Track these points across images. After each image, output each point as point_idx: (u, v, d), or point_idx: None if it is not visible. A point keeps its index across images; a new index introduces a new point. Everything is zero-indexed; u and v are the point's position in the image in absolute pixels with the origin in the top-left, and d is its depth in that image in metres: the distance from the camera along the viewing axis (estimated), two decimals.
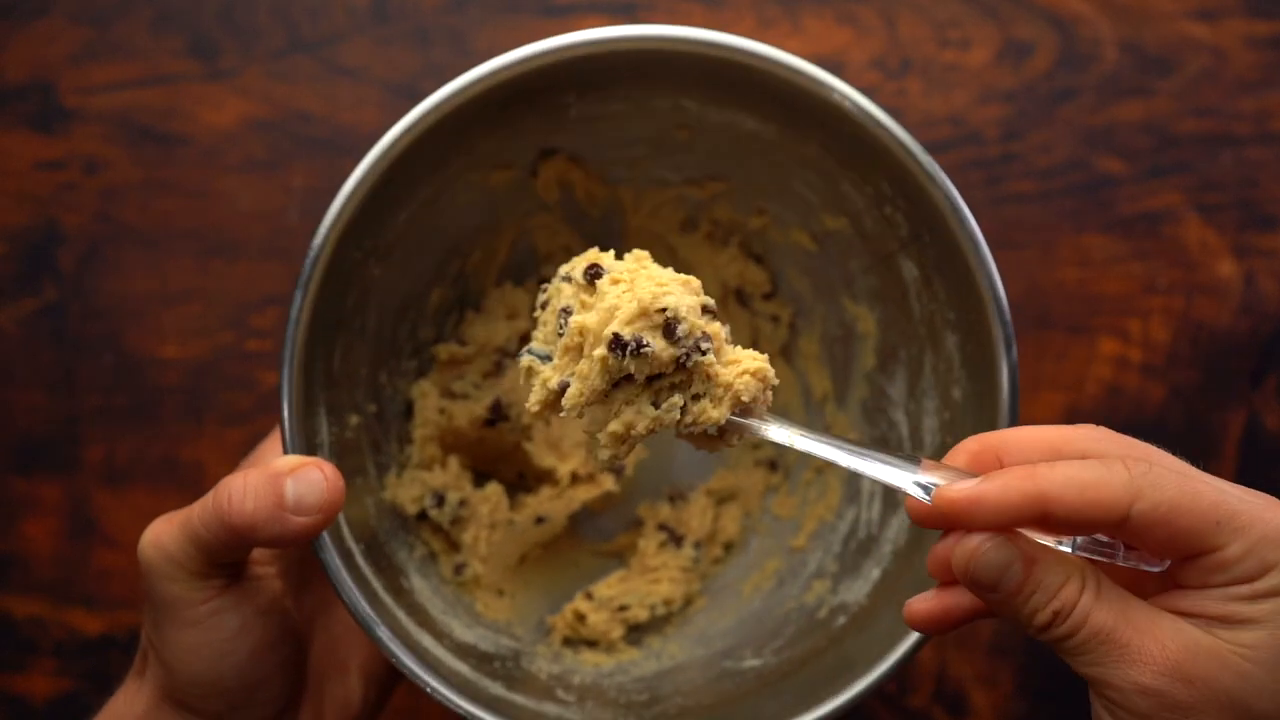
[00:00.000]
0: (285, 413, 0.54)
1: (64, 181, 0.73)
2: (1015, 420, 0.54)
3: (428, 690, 0.53)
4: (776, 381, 0.48)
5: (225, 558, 0.51)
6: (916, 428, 0.60)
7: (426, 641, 0.57)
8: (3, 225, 0.73)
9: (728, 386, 0.47)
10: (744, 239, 0.64)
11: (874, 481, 0.47)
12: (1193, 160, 0.73)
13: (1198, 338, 0.73)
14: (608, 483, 0.64)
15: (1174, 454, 0.72)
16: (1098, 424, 0.72)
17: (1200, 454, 0.73)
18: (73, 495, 0.72)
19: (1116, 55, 0.73)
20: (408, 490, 0.63)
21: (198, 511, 0.51)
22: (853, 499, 0.64)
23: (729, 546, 0.67)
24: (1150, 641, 0.40)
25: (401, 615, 0.57)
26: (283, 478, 0.50)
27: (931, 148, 0.70)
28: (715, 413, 0.47)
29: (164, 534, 0.51)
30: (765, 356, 0.48)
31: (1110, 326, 0.73)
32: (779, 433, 0.48)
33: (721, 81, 0.56)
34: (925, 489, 0.43)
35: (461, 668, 0.57)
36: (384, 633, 0.53)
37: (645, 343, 0.45)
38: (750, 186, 0.62)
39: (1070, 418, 0.73)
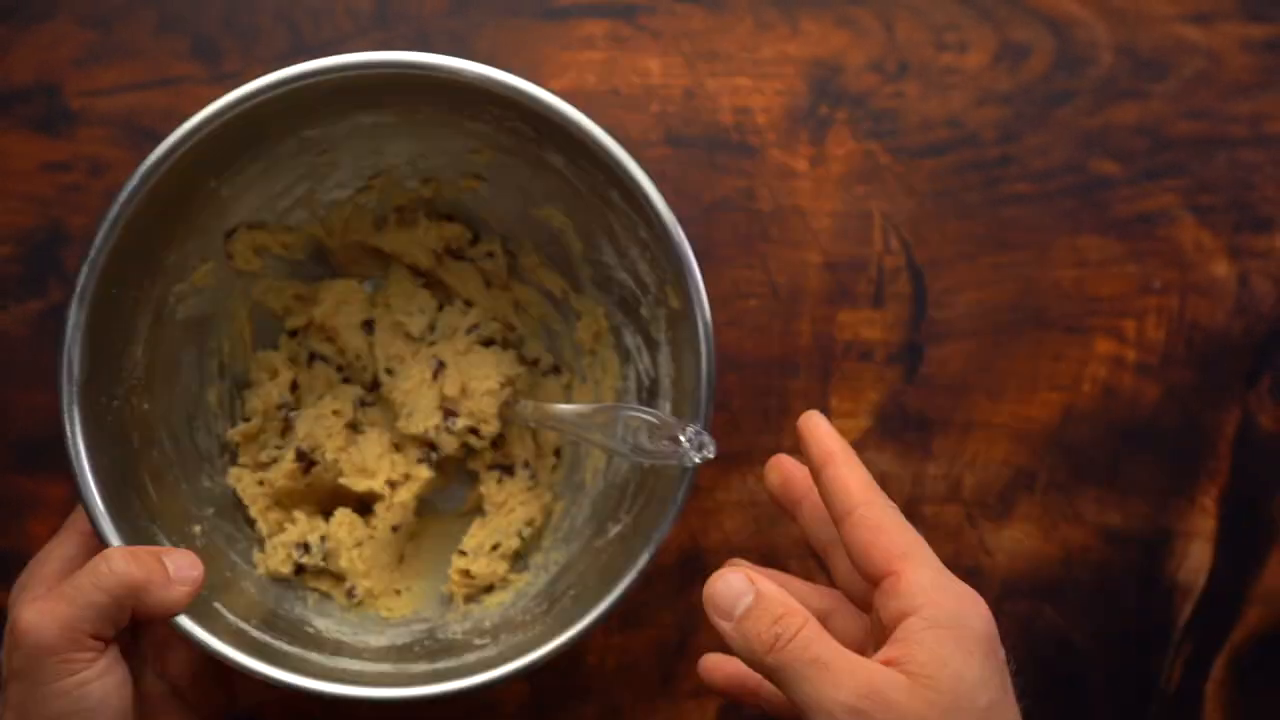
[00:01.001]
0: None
1: (69, 183, 0.73)
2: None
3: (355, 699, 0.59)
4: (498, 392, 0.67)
5: (101, 629, 0.55)
6: (637, 276, 0.65)
7: (345, 664, 0.63)
8: (8, 227, 0.73)
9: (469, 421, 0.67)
10: (428, 209, 0.69)
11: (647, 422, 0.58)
12: (1188, 162, 0.74)
13: (1192, 338, 0.74)
14: (424, 473, 0.69)
15: (1170, 453, 0.73)
16: (1094, 423, 0.73)
17: (1195, 453, 0.74)
18: (76, 494, 0.73)
19: (1112, 58, 0.74)
20: (275, 557, 0.67)
21: (78, 582, 0.55)
22: (626, 359, 0.69)
23: (558, 452, 0.72)
24: (858, 668, 0.47)
25: (314, 656, 0.63)
26: (159, 552, 0.56)
27: (929, 150, 0.71)
28: (484, 441, 0.68)
29: (42, 605, 0.54)
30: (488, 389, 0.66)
31: (1106, 327, 0.74)
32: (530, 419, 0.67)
33: (329, 96, 0.61)
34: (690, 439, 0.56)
35: (384, 668, 0.63)
36: (302, 681, 0.59)
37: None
38: (406, 166, 0.67)
39: (1067, 416, 0.74)
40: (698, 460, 0.56)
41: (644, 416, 0.59)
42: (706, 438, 0.56)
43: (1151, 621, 0.74)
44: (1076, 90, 0.74)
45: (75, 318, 0.59)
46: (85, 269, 0.59)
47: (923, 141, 0.74)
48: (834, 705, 0.46)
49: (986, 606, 0.49)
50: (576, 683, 0.74)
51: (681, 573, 0.74)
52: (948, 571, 0.50)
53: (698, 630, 0.74)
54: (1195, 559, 0.74)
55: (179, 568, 0.56)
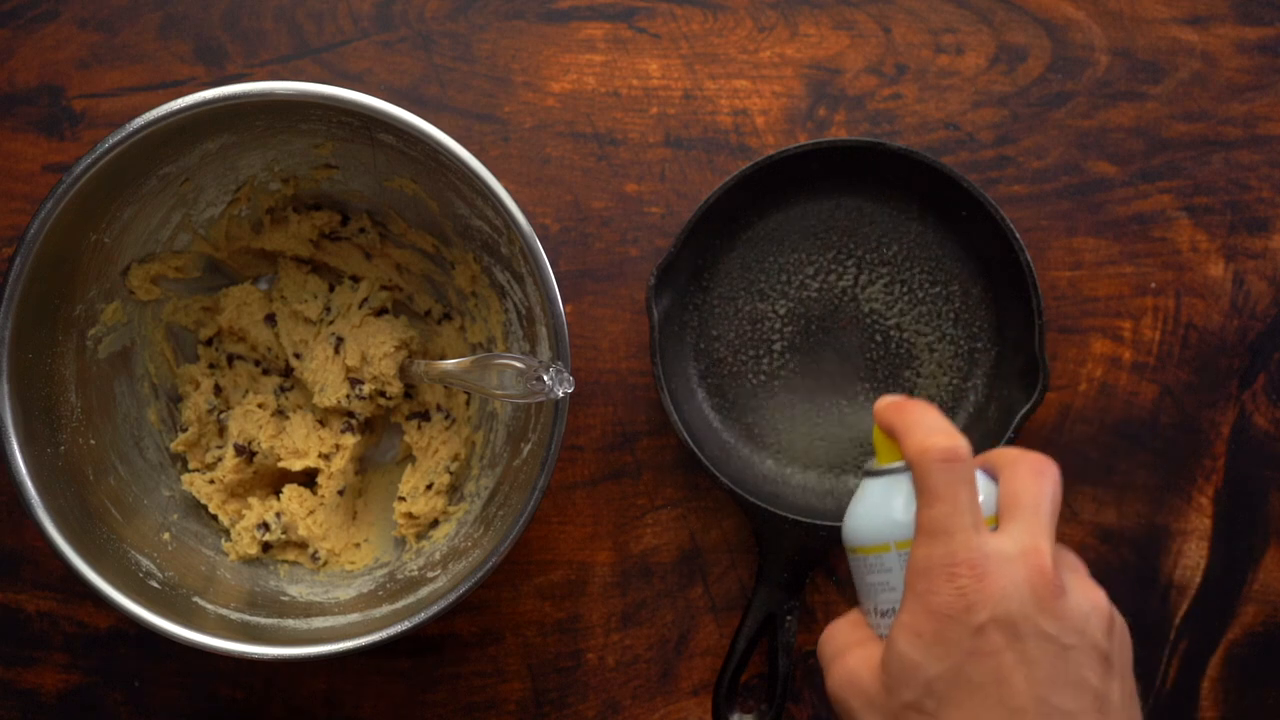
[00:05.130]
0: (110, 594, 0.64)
1: None
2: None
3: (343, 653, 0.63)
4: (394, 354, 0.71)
5: None
6: (489, 222, 0.68)
7: (319, 623, 0.68)
8: (12, 228, 0.74)
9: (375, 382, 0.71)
10: (295, 204, 0.73)
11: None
12: (1183, 163, 0.74)
13: (1188, 338, 0.74)
14: (350, 440, 0.73)
15: (1166, 451, 0.73)
16: (1091, 422, 0.73)
17: (1191, 452, 0.74)
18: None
19: (1108, 60, 0.75)
20: (242, 543, 0.72)
21: None
22: (503, 294, 0.72)
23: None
24: (852, 656, 0.53)
25: (290, 622, 0.68)
26: None
27: (927, 151, 0.72)
28: (393, 398, 0.72)
29: None
30: (386, 352, 0.71)
31: (1103, 327, 0.74)
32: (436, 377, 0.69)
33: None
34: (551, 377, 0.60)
35: (354, 617, 0.68)
36: (279, 651, 0.63)
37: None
38: (263, 173, 0.71)
39: (1064, 416, 0.74)
40: (560, 395, 0.60)
41: (511, 363, 0.62)
42: (566, 375, 0.60)
43: (1148, 619, 0.74)
44: (1073, 92, 0.75)
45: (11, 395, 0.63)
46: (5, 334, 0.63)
47: (920, 143, 0.74)
48: (830, 687, 0.52)
49: (938, 590, 0.49)
50: (576, 680, 0.74)
51: (681, 572, 0.74)
52: (945, 539, 0.49)
53: (697, 628, 0.74)
54: (1191, 557, 0.74)
55: None
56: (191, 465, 0.74)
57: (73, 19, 0.74)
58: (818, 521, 0.70)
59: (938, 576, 0.49)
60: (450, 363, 0.68)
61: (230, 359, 0.74)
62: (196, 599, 0.68)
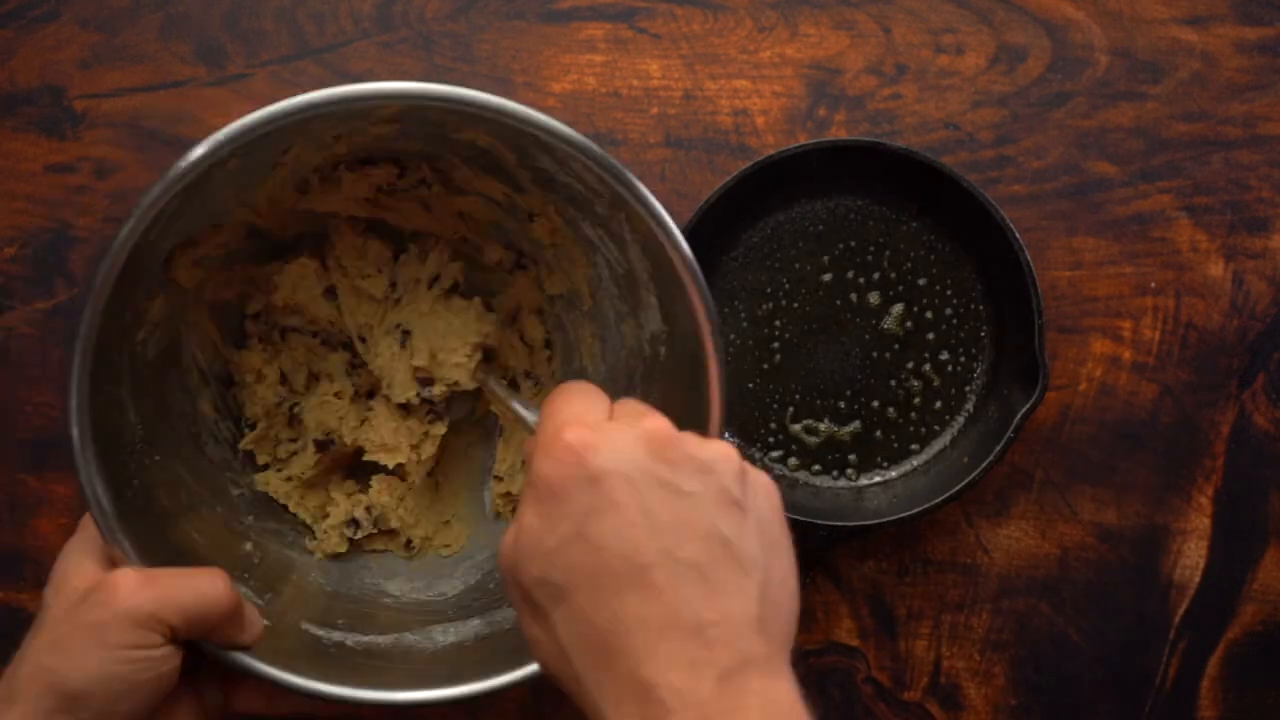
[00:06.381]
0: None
1: (75, 184, 0.74)
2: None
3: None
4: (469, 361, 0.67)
5: (178, 627, 0.55)
6: (586, 184, 0.61)
7: (440, 631, 0.65)
8: (15, 227, 0.74)
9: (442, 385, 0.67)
10: (347, 163, 0.65)
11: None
12: (1183, 163, 0.74)
13: (1188, 338, 0.74)
14: (440, 429, 0.70)
15: (1166, 451, 0.73)
16: (1090, 422, 0.73)
17: (1190, 451, 0.74)
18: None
19: (1108, 60, 0.75)
20: (329, 540, 0.69)
21: (184, 579, 0.56)
22: (589, 248, 0.66)
23: (550, 344, 0.72)
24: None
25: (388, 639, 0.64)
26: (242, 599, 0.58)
27: (927, 151, 0.72)
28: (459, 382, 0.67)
29: (143, 577, 0.55)
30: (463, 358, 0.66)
31: (1102, 327, 0.74)
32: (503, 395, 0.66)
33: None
34: None
35: (476, 624, 0.65)
36: (364, 691, 0.59)
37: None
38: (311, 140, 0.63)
39: (1064, 416, 0.74)
40: None
41: None
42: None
43: (1147, 619, 0.74)
44: (1073, 92, 0.75)
45: (80, 443, 0.56)
46: (74, 389, 0.56)
47: (920, 143, 0.74)
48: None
49: (551, 452, 0.47)
50: None
51: None
52: (559, 416, 0.50)
53: None
54: (1191, 557, 0.74)
55: (251, 620, 0.58)
56: (261, 460, 0.70)
57: (74, 19, 0.74)
58: (818, 521, 0.70)
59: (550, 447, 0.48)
60: (524, 409, 0.62)
61: (283, 332, 0.70)
62: (306, 625, 0.64)
